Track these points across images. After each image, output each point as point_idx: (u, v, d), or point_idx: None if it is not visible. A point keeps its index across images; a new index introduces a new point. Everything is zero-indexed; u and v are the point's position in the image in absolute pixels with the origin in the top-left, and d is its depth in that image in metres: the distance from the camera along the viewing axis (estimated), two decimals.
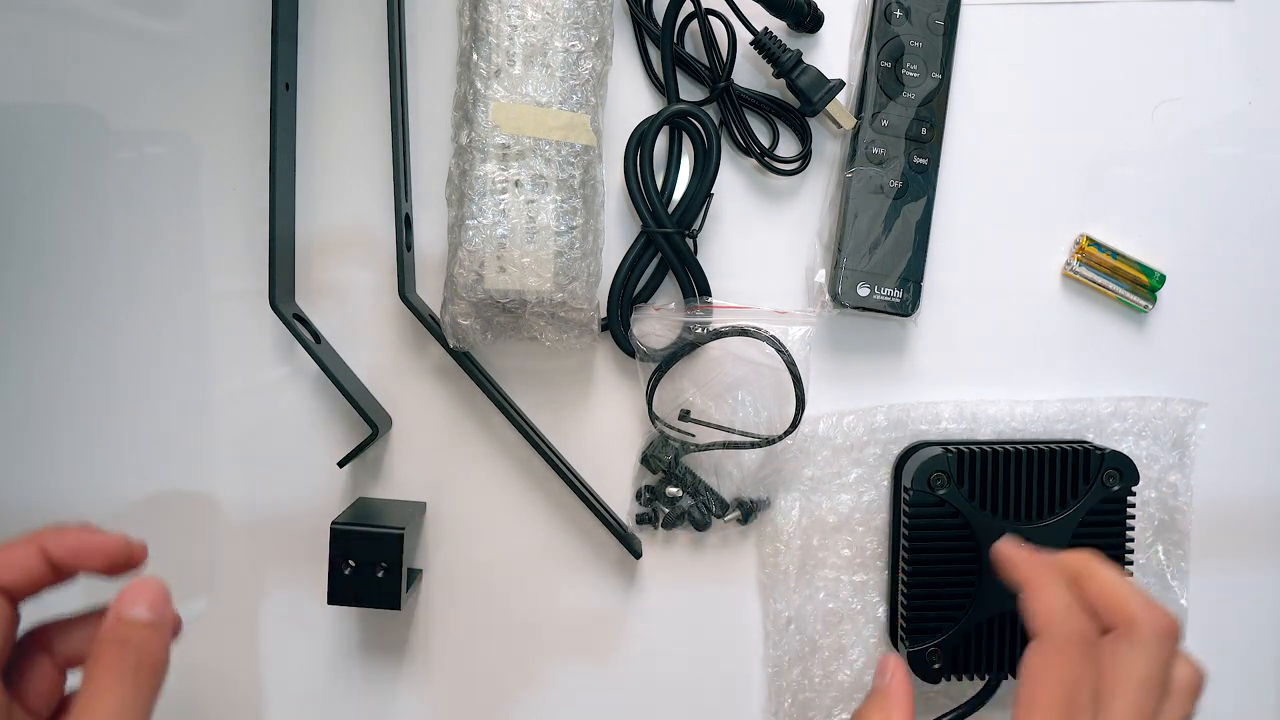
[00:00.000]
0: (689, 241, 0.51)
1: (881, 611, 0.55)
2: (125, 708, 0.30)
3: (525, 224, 0.47)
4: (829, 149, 0.54)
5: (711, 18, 0.51)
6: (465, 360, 0.51)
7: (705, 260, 0.52)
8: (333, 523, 0.47)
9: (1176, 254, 0.56)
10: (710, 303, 0.52)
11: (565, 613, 0.54)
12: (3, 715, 0.32)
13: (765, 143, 0.53)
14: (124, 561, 0.34)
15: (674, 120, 0.51)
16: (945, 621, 0.52)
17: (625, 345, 0.52)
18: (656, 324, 0.52)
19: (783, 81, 0.52)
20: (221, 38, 0.51)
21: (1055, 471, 0.52)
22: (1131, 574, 0.53)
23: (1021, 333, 0.56)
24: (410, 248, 0.51)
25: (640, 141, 0.50)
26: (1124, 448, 0.55)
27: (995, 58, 0.54)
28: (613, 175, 0.52)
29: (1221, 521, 0.57)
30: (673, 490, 0.53)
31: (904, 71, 0.52)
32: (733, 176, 0.54)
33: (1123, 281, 0.55)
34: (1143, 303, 0.55)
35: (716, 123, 0.52)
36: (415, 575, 0.53)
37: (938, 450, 0.52)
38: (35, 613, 0.34)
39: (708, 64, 0.52)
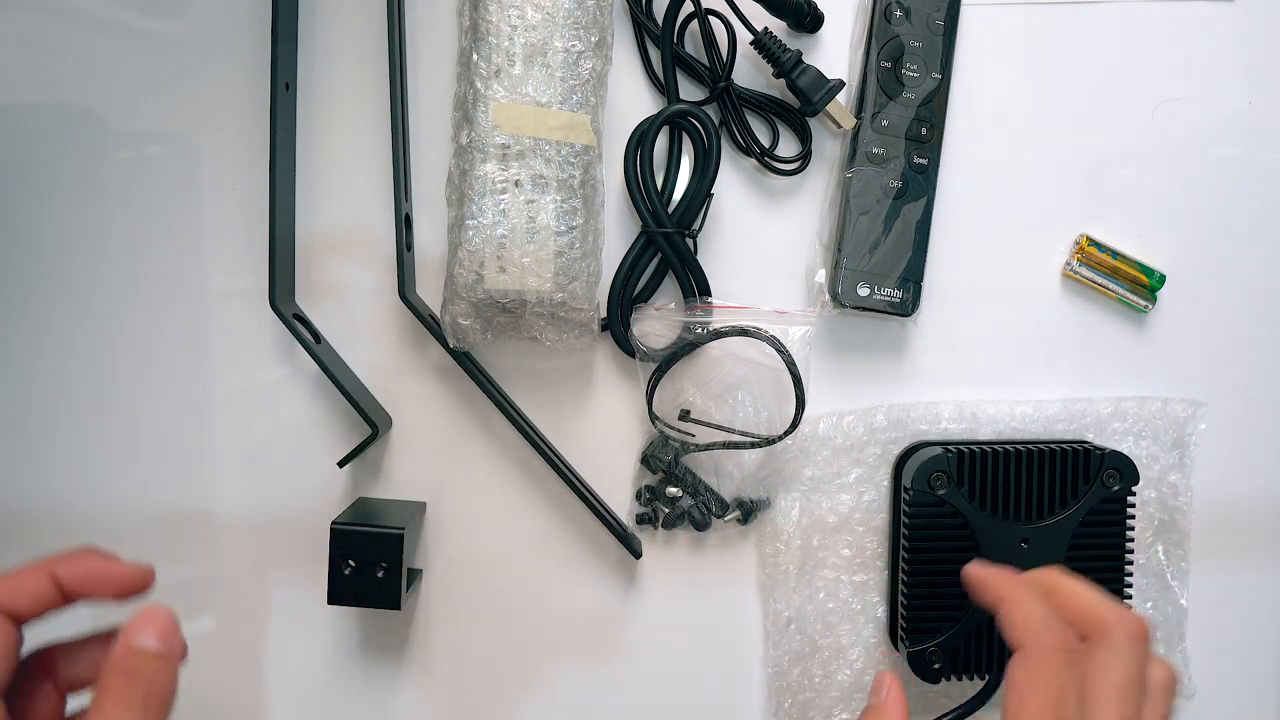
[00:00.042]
0: (689, 241, 0.51)
1: (881, 611, 0.55)
2: None
3: (525, 224, 0.47)
4: (829, 149, 0.54)
5: (711, 18, 0.51)
6: (465, 360, 0.51)
7: (705, 260, 0.52)
8: (333, 523, 0.47)
9: (1176, 254, 0.56)
10: (710, 303, 0.52)
11: (565, 613, 0.54)
12: None
13: (765, 143, 0.53)
14: (134, 590, 0.33)
15: (674, 120, 0.51)
16: (945, 621, 0.52)
17: (625, 345, 0.52)
18: (656, 324, 0.52)
19: (783, 81, 0.52)
20: (221, 38, 0.51)
21: (1055, 471, 0.52)
22: (1131, 574, 0.53)
23: (1021, 333, 0.56)
24: (410, 248, 0.51)
25: (640, 141, 0.50)
26: (1124, 448, 0.55)
27: (995, 58, 0.54)
28: (613, 175, 0.52)
29: (1221, 521, 0.57)
30: (673, 490, 0.53)
31: (904, 71, 0.52)
32: (733, 176, 0.54)
33: (1123, 281, 0.55)
34: (1143, 303, 0.55)
35: (716, 123, 0.52)
36: (415, 575, 0.53)
37: (938, 450, 0.52)
38: (39, 633, 0.34)
39: (708, 64, 0.52)
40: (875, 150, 0.52)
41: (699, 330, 0.51)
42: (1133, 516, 0.53)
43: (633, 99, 0.53)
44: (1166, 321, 0.56)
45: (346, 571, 0.47)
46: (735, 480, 0.54)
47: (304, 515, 0.53)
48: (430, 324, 0.50)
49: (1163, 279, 0.55)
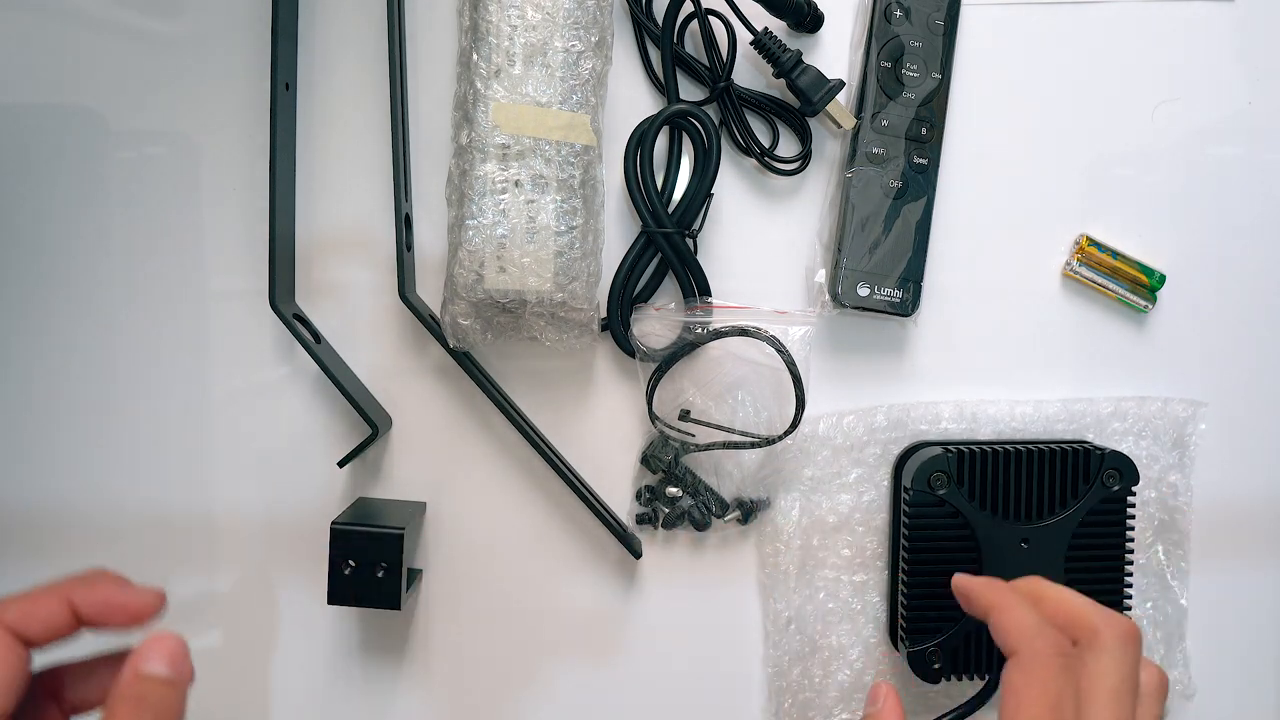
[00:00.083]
0: (689, 241, 0.51)
1: (881, 611, 0.55)
2: None
3: (525, 224, 0.47)
4: (829, 149, 0.54)
5: (711, 18, 0.51)
6: (465, 360, 0.51)
7: (705, 260, 0.52)
8: (333, 523, 0.47)
9: (1176, 254, 0.56)
10: (710, 303, 0.52)
11: (565, 613, 0.54)
12: None
13: (765, 143, 0.53)
14: (148, 618, 0.33)
15: (674, 120, 0.51)
16: (945, 621, 0.52)
17: (625, 345, 0.52)
18: (656, 324, 0.52)
19: (783, 81, 0.52)
20: (221, 38, 0.51)
21: (1055, 471, 0.52)
22: (1131, 574, 0.53)
23: (1021, 333, 0.56)
24: (410, 248, 0.51)
25: (640, 141, 0.50)
26: (1124, 448, 0.55)
27: (995, 58, 0.54)
28: (613, 175, 0.52)
29: (1221, 521, 0.57)
30: (673, 490, 0.53)
31: (904, 71, 0.52)
32: (733, 176, 0.54)
33: (1123, 281, 0.55)
34: (1143, 303, 0.55)
35: (716, 123, 0.52)
36: (415, 575, 0.53)
37: (938, 450, 0.52)
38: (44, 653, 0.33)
39: (708, 64, 0.52)
40: (875, 150, 0.52)
41: (699, 330, 0.51)
42: (1133, 516, 0.53)
43: (633, 99, 0.53)
44: (1166, 321, 0.56)
45: (346, 571, 0.47)
46: (735, 480, 0.54)
47: (304, 515, 0.53)
48: (430, 324, 0.50)
49: (1163, 279, 0.55)
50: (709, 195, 0.51)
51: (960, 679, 0.53)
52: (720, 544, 0.55)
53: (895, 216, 0.52)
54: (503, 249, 0.47)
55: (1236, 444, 0.57)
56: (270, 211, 0.48)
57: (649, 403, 0.52)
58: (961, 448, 0.52)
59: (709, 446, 0.52)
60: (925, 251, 0.53)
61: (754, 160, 0.53)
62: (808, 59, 0.51)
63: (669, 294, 0.53)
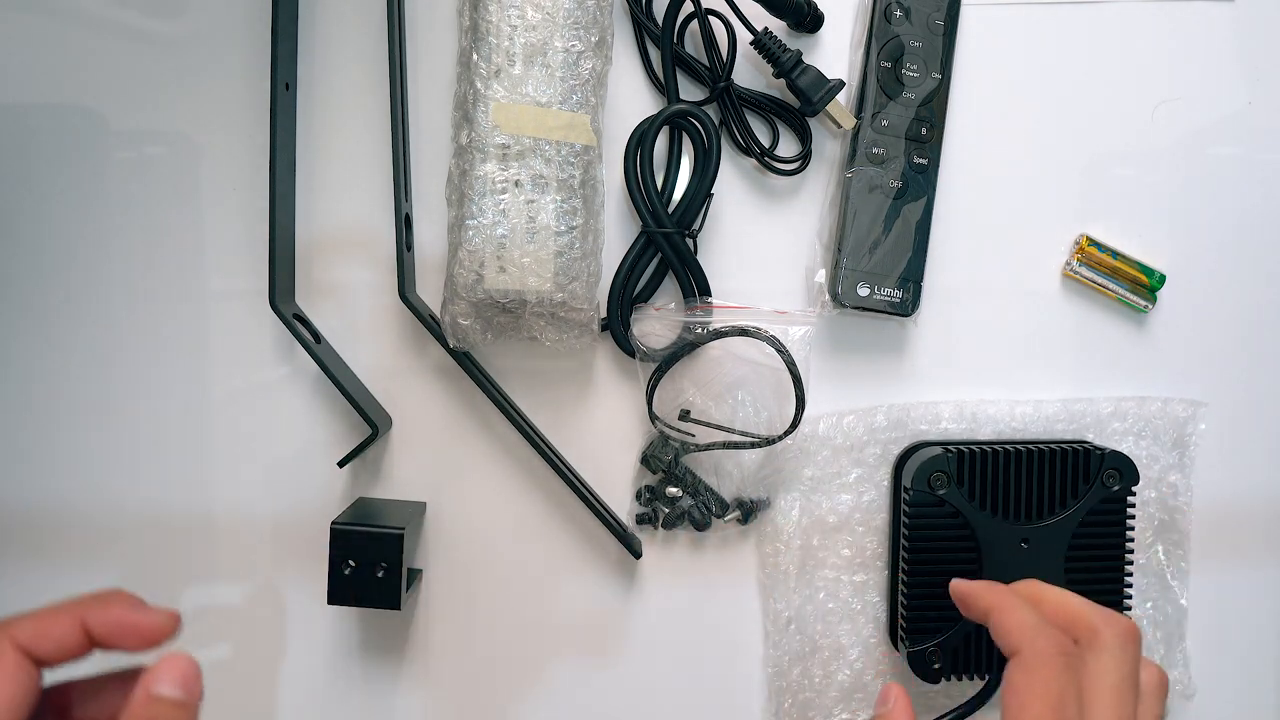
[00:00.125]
0: (689, 241, 0.51)
1: (881, 611, 0.55)
2: None
3: (525, 224, 0.47)
4: (829, 149, 0.54)
5: (711, 18, 0.51)
6: (465, 360, 0.51)
7: (705, 260, 0.52)
8: (333, 523, 0.47)
9: (1176, 254, 0.56)
10: (710, 303, 0.52)
11: (565, 613, 0.54)
12: None
13: (765, 143, 0.53)
14: (162, 641, 0.32)
15: (674, 120, 0.51)
16: (945, 621, 0.52)
17: (625, 345, 0.52)
18: (656, 324, 0.52)
19: (783, 81, 0.52)
20: (221, 38, 0.51)
21: (1055, 471, 0.52)
22: (1131, 574, 0.53)
23: (1021, 333, 0.56)
24: (410, 248, 0.51)
25: (640, 141, 0.50)
26: (1124, 448, 0.55)
27: (995, 58, 0.54)
28: (613, 175, 0.52)
29: (1221, 521, 0.57)
30: (673, 490, 0.53)
31: (904, 71, 0.52)
32: (733, 176, 0.54)
33: (1123, 281, 0.55)
34: (1143, 303, 0.55)
35: (716, 123, 0.52)
36: (415, 575, 0.53)
37: (938, 450, 0.52)
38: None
39: (708, 64, 0.52)
40: (875, 150, 0.52)
41: (699, 330, 0.51)
42: (1133, 516, 0.53)
43: (633, 99, 0.53)
44: (1166, 321, 0.56)
45: (346, 571, 0.47)
46: (735, 480, 0.54)
47: (304, 515, 0.53)
48: (430, 324, 0.50)
49: (1163, 279, 0.55)
50: (709, 195, 0.51)
51: (960, 679, 0.53)
52: (720, 544, 0.55)
53: (895, 216, 0.52)
54: (503, 249, 0.47)
55: (1236, 444, 0.57)
56: (270, 211, 0.48)
57: (649, 403, 0.52)
58: (961, 448, 0.52)
59: (709, 446, 0.52)
60: (925, 251, 0.53)
61: (754, 160, 0.53)
62: (808, 59, 0.51)
63: (669, 294, 0.53)
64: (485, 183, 0.47)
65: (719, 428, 0.52)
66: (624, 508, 0.54)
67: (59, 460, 0.52)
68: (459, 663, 0.54)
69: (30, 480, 0.52)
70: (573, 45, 0.47)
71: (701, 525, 0.53)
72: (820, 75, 0.51)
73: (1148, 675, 0.36)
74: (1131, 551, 0.53)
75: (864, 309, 0.52)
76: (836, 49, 0.54)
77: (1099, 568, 0.52)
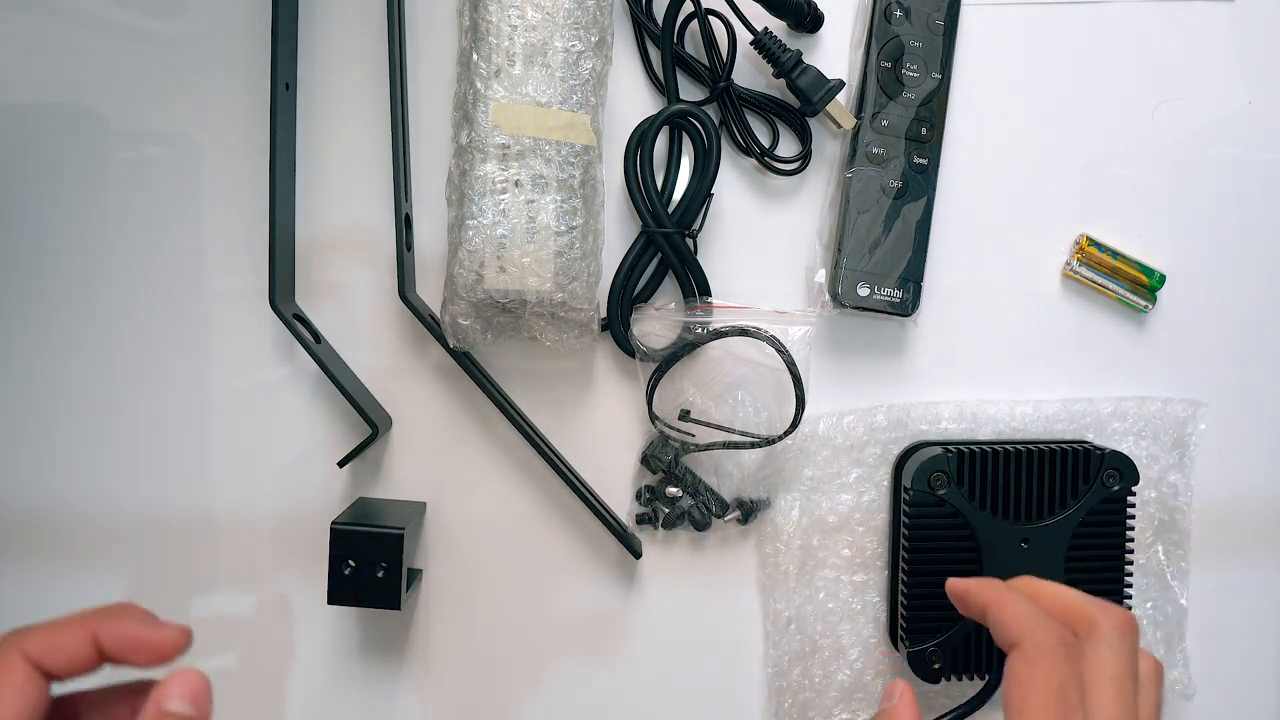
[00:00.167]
0: (689, 241, 0.51)
1: (882, 611, 0.55)
2: None
3: (525, 224, 0.47)
4: (829, 149, 0.54)
5: (711, 18, 0.51)
6: (465, 360, 0.51)
7: (705, 260, 0.52)
8: (333, 523, 0.47)
9: (1176, 254, 0.56)
10: (710, 303, 0.52)
11: (565, 613, 0.54)
12: None
13: (765, 143, 0.53)
14: (173, 657, 0.32)
15: (674, 120, 0.51)
16: (945, 621, 0.52)
17: (625, 345, 0.52)
18: (656, 324, 0.52)
19: (783, 81, 0.52)
20: (221, 38, 0.51)
21: (1055, 471, 0.52)
22: (1131, 574, 0.53)
23: (1021, 333, 0.56)
24: (410, 248, 0.51)
25: (640, 141, 0.50)
26: (1124, 448, 0.55)
27: (995, 58, 0.54)
28: (613, 175, 0.52)
29: (1221, 521, 0.57)
30: (673, 490, 0.53)
31: (904, 71, 0.52)
32: (733, 176, 0.54)
33: (1123, 281, 0.55)
34: (1143, 303, 0.55)
35: (716, 123, 0.52)
36: (415, 575, 0.53)
37: (938, 450, 0.52)
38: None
39: (708, 64, 0.52)
40: (875, 150, 0.52)
41: (699, 330, 0.51)
42: (1133, 516, 0.53)
43: (633, 99, 0.53)
44: (1166, 321, 0.56)
45: (346, 571, 0.47)
46: (735, 480, 0.54)
47: (304, 515, 0.53)
48: (430, 324, 0.50)
49: (1163, 279, 0.55)
50: (709, 195, 0.51)
51: (960, 679, 0.53)
52: (720, 544, 0.55)
53: (895, 216, 0.52)
54: (503, 249, 0.47)
55: (1236, 444, 0.57)
56: (270, 211, 0.48)
57: (649, 403, 0.52)
58: (961, 448, 0.52)
59: (709, 446, 0.52)
60: (925, 251, 0.53)
61: (754, 160, 0.53)
62: (808, 59, 0.51)
63: (669, 294, 0.53)
64: (485, 183, 0.47)
65: (719, 428, 0.52)
66: (624, 508, 0.54)
67: (59, 460, 0.52)
68: (459, 663, 0.54)
69: (30, 480, 0.52)
70: (573, 45, 0.47)
71: (701, 525, 0.53)
72: (820, 75, 0.51)
73: (1144, 664, 0.37)
74: (1131, 551, 0.53)
75: (864, 309, 0.52)
76: (836, 49, 0.54)
77: (1099, 568, 0.52)
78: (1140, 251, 0.55)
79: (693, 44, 0.53)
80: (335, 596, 0.47)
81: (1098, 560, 0.52)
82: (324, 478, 0.53)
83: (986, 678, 0.53)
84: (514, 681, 0.54)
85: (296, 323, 0.49)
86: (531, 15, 0.47)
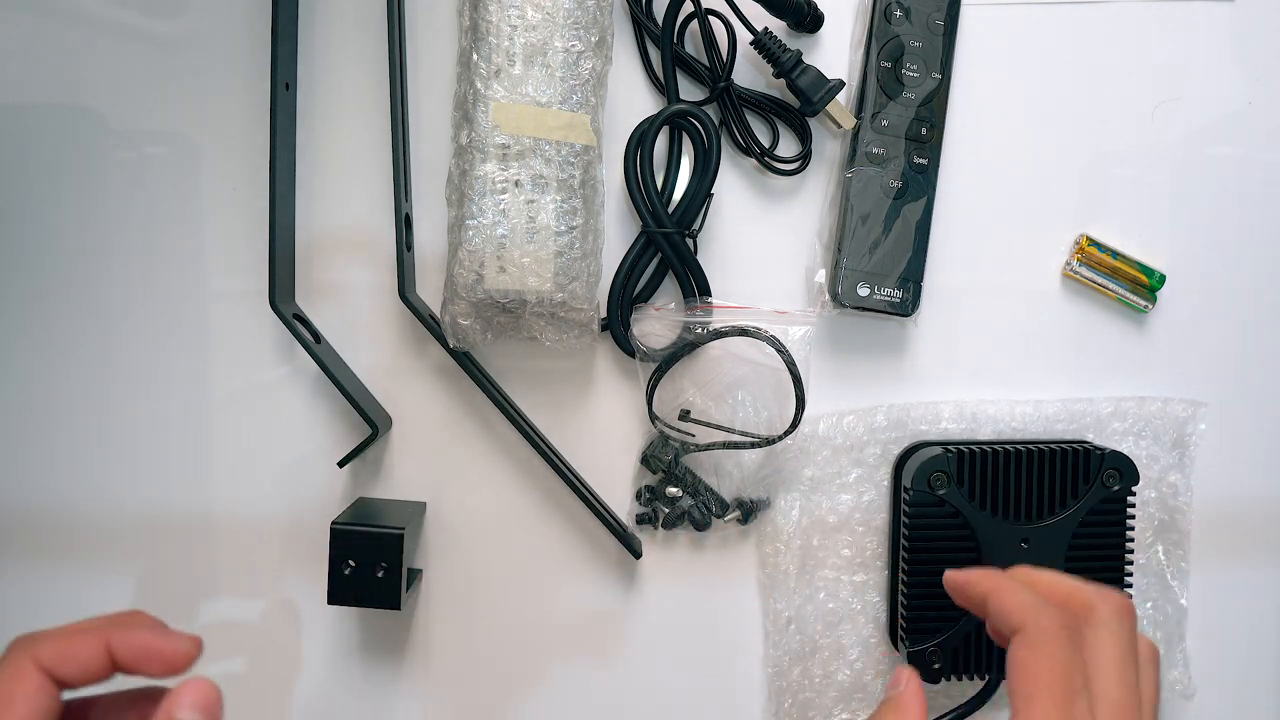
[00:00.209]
0: (689, 241, 0.51)
1: (882, 611, 0.55)
2: None
3: (525, 224, 0.47)
4: (829, 149, 0.54)
5: (711, 18, 0.51)
6: (465, 360, 0.51)
7: (705, 260, 0.52)
8: (333, 523, 0.47)
9: (1176, 254, 0.56)
10: (710, 303, 0.52)
11: (565, 613, 0.54)
12: None
13: (765, 143, 0.53)
14: (184, 668, 0.32)
15: (674, 120, 0.51)
16: (945, 621, 0.52)
17: (625, 345, 0.52)
18: (656, 324, 0.52)
19: (783, 81, 0.52)
20: (221, 38, 0.51)
21: (1055, 471, 0.52)
22: (1131, 574, 0.53)
23: (1021, 333, 0.56)
24: (410, 248, 0.51)
25: (640, 141, 0.50)
26: (1124, 448, 0.55)
27: (995, 58, 0.54)
28: (613, 175, 0.52)
29: (1221, 521, 0.57)
30: (673, 490, 0.53)
31: (904, 71, 0.52)
32: (733, 176, 0.54)
33: (1123, 281, 0.55)
34: (1143, 303, 0.55)
35: (716, 123, 0.52)
36: (415, 575, 0.53)
37: (938, 450, 0.52)
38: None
39: (708, 64, 0.52)
40: (875, 150, 0.52)
41: (699, 330, 0.51)
42: (1133, 516, 0.53)
43: (633, 99, 0.53)
44: (1166, 321, 0.56)
45: (346, 571, 0.47)
46: (735, 480, 0.54)
47: (304, 515, 0.53)
48: (430, 324, 0.50)
49: (1163, 279, 0.55)
50: (709, 195, 0.51)
51: (960, 679, 0.53)
52: (720, 544, 0.55)
53: (895, 216, 0.52)
54: (503, 249, 0.47)
55: (1236, 444, 0.57)
56: (270, 211, 0.48)
57: (649, 403, 0.52)
58: (961, 448, 0.52)
59: (709, 446, 0.52)
60: (925, 251, 0.53)
61: (754, 160, 0.53)
62: (808, 59, 0.51)
63: (669, 294, 0.53)
64: (485, 183, 0.47)
65: (719, 428, 0.52)
66: (624, 508, 0.54)
67: (59, 460, 0.52)
68: (459, 663, 0.54)
69: (30, 480, 0.52)
70: (573, 45, 0.47)
71: (701, 525, 0.53)
72: (820, 75, 0.51)
73: (1141, 647, 0.37)
74: (1131, 551, 0.53)
75: (864, 309, 0.52)
76: (836, 49, 0.54)
77: (1099, 568, 0.52)
78: (1140, 251, 0.55)
79: (693, 44, 0.53)
80: (335, 596, 0.47)
81: (1098, 560, 0.52)
82: (324, 478, 0.53)
83: (986, 678, 0.53)
84: (514, 681, 0.54)
85: (296, 323, 0.49)
86: (531, 15, 0.47)
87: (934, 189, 0.53)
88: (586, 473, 0.53)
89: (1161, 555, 0.56)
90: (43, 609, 0.52)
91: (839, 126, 0.52)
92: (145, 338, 0.52)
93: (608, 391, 0.54)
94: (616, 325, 0.51)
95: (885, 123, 0.52)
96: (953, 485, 0.51)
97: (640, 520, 0.54)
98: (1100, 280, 0.55)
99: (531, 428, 0.52)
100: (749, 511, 0.54)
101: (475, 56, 0.47)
